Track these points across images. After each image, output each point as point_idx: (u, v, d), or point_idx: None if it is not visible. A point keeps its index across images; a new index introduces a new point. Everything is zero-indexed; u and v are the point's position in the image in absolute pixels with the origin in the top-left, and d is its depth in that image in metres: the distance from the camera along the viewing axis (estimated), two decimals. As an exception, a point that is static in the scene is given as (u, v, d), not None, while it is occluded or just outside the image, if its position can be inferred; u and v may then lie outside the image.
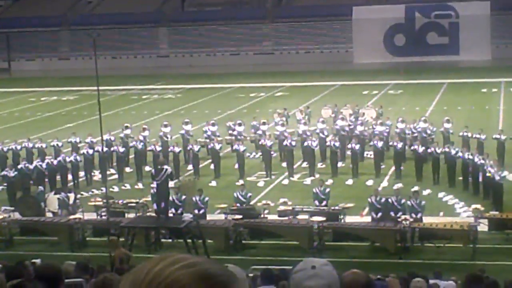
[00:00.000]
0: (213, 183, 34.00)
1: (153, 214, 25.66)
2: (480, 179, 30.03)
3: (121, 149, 36.06)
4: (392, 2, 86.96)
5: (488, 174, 28.76)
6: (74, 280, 11.71)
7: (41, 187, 30.46)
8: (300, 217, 26.71)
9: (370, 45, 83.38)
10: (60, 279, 7.02)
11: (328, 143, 35.59)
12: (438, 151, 32.65)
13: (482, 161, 29.85)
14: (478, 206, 26.76)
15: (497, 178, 28.03)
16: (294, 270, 3.99)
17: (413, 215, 25.55)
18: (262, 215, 27.23)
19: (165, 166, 24.01)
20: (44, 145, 37.76)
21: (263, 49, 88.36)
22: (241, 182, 31.01)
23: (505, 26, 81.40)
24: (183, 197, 27.48)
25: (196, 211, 26.80)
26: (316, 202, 27.69)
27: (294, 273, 3.96)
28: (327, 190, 28.17)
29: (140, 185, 34.00)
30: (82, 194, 32.57)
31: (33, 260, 16.54)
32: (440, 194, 30.56)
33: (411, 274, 16.37)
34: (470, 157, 30.85)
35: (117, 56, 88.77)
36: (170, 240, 25.78)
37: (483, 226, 25.20)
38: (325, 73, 73.06)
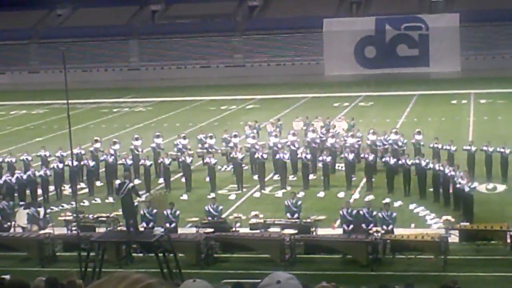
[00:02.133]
0: (185, 197, 33.90)
1: (124, 228, 25.48)
2: (451, 190, 30.17)
3: (91, 163, 35.82)
4: (362, 14, 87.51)
5: (458, 186, 28.89)
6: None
7: (5, 202, 30.04)
8: (271, 230, 26.67)
9: (340, 57, 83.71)
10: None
11: (299, 156, 35.61)
12: (409, 162, 32.77)
13: (453, 173, 29.99)
14: (449, 217, 26.86)
15: (467, 189, 28.16)
16: (260, 286, 3.96)
17: (385, 227, 25.61)
18: (233, 228, 27.15)
19: (127, 180, 23.75)
20: (13, 159, 37.47)
21: (234, 61, 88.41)
22: (212, 195, 30.92)
23: (474, 38, 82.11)
24: (154, 210, 27.35)
25: (167, 225, 26.68)
26: (288, 215, 27.66)
27: None
28: (299, 202, 28.16)
29: (110, 199, 33.74)
30: (52, 209, 32.27)
31: (3, 276, 16.34)
32: (411, 206, 30.65)
33: (383, 286, 16.37)
34: (441, 168, 30.98)
35: (87, 69, 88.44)
36: (141, 255, 25.62)
37: (454, 238, 25.32)
38: (296, 85, 73.24)
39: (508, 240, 24.83)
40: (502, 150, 33.90)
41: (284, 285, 3.88)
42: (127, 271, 2.25)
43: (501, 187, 33.12)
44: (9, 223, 29.22)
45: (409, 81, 73.10)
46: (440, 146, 35.43)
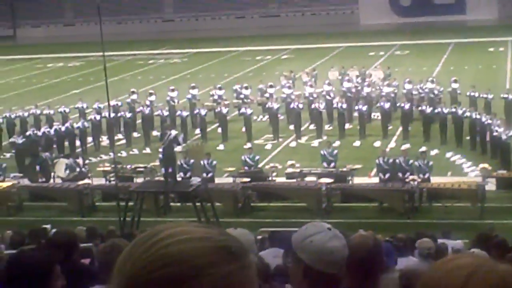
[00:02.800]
0: (221, 147, 34.05)
1: (162, 179, 25.74)
2: (488, 138, 30.00)
3: (128, 114, 36.09)
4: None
5: (495, 134, 28.74)
6: (83, 245, 11.77)
7: (48, 154, 30.41)
8: (308, 179, 26.77)
9: (376, 5, 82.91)
10: (75, 245, 7.07)
11: (335, 105, 35.53)
12: (445, 111, 32.58)
13: (490, 121, 29.82)
14: (486, 165, 26.72)
15: (504, 137, 28.00)
16: (307, 235, 3.92)
17: (421, 176, 25.60)
18: (270, 178, 27.30)
19: (169, 131, 23.98)
20: (51, 112, 37.84)
21: (268, 11, 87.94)
22: (248, 145, 30.99)
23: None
24: (191, 161, 27.56)
25: (204, 175, 26.86)
26: (324, 164, 27.74)
27: (310, 237, 3.91)
28: (335, 152, 28.21)
29: (148, 150, 34.06)
30: (90, 160, 32.65)
31: (44, 226, 16.67)
32: (448, 154, 30.57)
33: (419, 234, 16.42)
34: (478, 116, 30.80)
35: (122, 21, 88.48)
36: (178, 204, 25.90)
37: (491, 185, 25.24)
38: (331, 34, 72.74)
39: (546, 187, 24.73)
40: (540, 97, 33.57)
41: (335, 231, 3.94)
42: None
43: (538, 135, 32.80)
44: (49, 174, 29.62)
45: (445, 29, 72.23)
46: (477, 94, 35.17)
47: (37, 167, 29.56)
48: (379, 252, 4.86)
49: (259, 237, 16.42)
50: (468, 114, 31.55)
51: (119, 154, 32.31)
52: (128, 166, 29.08)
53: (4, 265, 4.95)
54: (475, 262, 2.15)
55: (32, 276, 4.64)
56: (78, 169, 29.29)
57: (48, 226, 16.79)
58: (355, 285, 4.60)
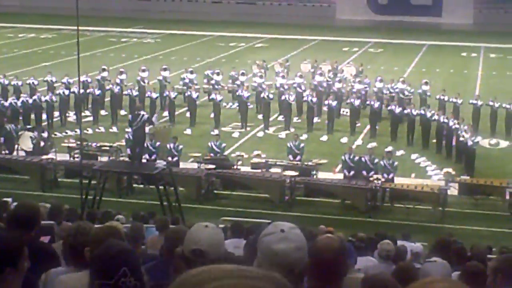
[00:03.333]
0: (188, 131, 33.98)
1: (126, 159, 25.64)
2: (454, 143, 30.21)
3: (97, 91, 35.83)
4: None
5: (461, 139, 28.93)
6: (45, 222, 11.66)
7: (13, 125, 30.10)
8: (273, 170, 26.83)
9: (353, 1, 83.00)
10: (37, 221, 6.97)
11: (305, 98, 35.54)
12: (414, 112, 32.75)
13: (457, 126, 30.00)
14: (450, 169, 26.96)
15: (470, 143, 28.19)
16: (263, 234, 4.02)
17: (385, 175, 25.73)
18: (235, 166, 27.29)
19: (142, 112, 23.87)
20: (19, 83, 37.51)
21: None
22: (216, 132, 30.98)
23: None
24: (157, 143, 27.48)
25: (169, 158, 26.81)
26: (290, 157, 27.77)
27: (263, 237, 4.00)
28: (302, 145, 28.25)
29: (114, 129, 33.89)
30: (55, 135, 32.44)
31: (5, 199, 16.50)
32: (413, 156, 30.74)
33: (380, 234, 16.51)
34: (445, 120, 30.99)
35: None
36: (142, 186, 25.84)
37: (453, 190, 25.48)
38: (307, 27, 72.71)
39: (507, 197, 24.96)
40: (508, 106, 33.86)
41: (288, 234, 3.94)
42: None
43: (504, 143, 33.17)
44: (12, 146, 29.37)
45: (420, 30, 72.55)
46: (446, 98, 35.37)
47: (1, 139, 29.30)
48: (344, 254, 4.90)
49: (221, 225, 16.38)
50: (436, 117, 31.73)
51: (85, 131, 32.10)
52: (93, 144, 28.94)
53: None
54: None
55: (3, 258, 4.58)
56: (42, 143, 29.09)
57: (9, 199, 16.61)
58: (320, 285, 4.62)
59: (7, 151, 28.88)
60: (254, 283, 2.04)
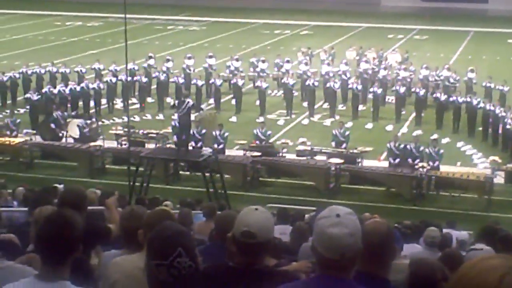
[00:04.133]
0: (234, 119, 34.16)
1: (173, 146, 25.89)
2: (500, 131, 30.02)
3: (144, 79, 36.17)
4: None
5: (508, 126, 28.75)
6: (96, 207, 11.90)
7: (59, 112, 30.49)
8: (318, 158, 26.91)
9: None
10: (84, 205, 7.20)
11: (350, 86, 35.54)
12: (460, 100, 32.58)
13: (503, 113, 29.80)
14: (496, 158, 26.78)
15: (517, 131, 28.01)
16: (319, 216, 4.12)
17: (431, 163, 25.67)
18: (280, 154, 27.42)
19: (188, 99, 24.07)
20: (67, 70, 38.01)
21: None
22: (261, 119, 31.11)
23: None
24: (203, 130, 27.72)
25: (215, 146, 27.02)
26: (334, 144, 27.82)
27: (318, 219, 4.10)
28: (347, 132, 28.29)
29: (161, 116, 34.17)
30: (103, 122, 32.85)
31: (55, 185, 16.82)
32: (459, 144, 30.60)
33: (425, 222, 16.54)
34: (492, 108, 30.79)
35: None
36: (188, 173, 26.09)
37: (499, 178, 25.33)
38: (352, 13, 72.42)
39: (554, 185, 24.77)
40: (555, 93, 33.54)
41: (343, 219, 4.05)
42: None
43: (551, 131, 32.79)
44: (61, 133, 29.82)
45: (466, 17, 71.84)
46: (492, 85, 35.12)
47: (52, 125, 29.76)
48: (391, 239, 5.02)
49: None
50: (482, 105, 31.55)
51: (132, 119, 32.38)
52: (140, 131, 29.23)
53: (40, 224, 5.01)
54: (507, 263, 2.26)
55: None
56: (88, 130, 29.48)
57: (60, 186, 16.91)
58: (368, 269, 4.75)
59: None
60: None
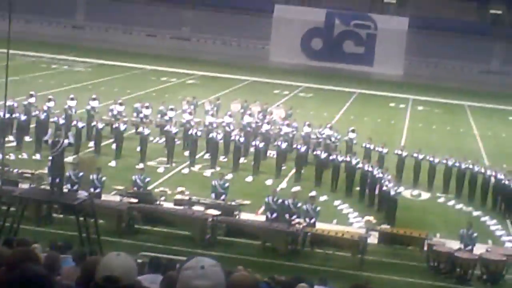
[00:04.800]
0: (113, 163, 33.70)
1: (48, 188, 25.24)
2: (377, 192, 30.56)
3: (23, 117, 35.38)
4: (314, 5, 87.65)
5: (384, 188, 29.28)
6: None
7: None
8: (195, 208, 26.69)
9: (287, 45, 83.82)
10: None
11: (232, 137, 35.64)
12: (340, 159, 33.08)
13: (381, 175, 30.37)
14: (371, 218, 27.18)
15: (393, 193, 28.54)
16: (184, 267, 4.03)
17: (307, 220, 25.82)
18: (158, 202, 27.10)
19: (63, 139, 23.51)
20: None
21: (180, 34, 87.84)
22: (141, 165, 30.74)
23: (419, 44, 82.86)
24: (80, 173, 27.14)
25: (92, 190, 26.49)
26: (213, 195, 27.70)
27: (183, 270, 4.02)
28: (226, 184, 28.21)
29: (38, 156, 33.41)
30: (-24, 158, 31.82)
31: None
32: (336, 202, 30.97)
33: (297, 278, 16.51)
34: (370, 169, 31.35)
35: (31, 20, 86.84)
36: (61, 216, 25.46)
37: (373, 239, 25.67)
38: (240, 67, 73.13)
39: (425, 248, 25.23)
40: (431, 159, 34.47)
41: (207, 271, 3.95)
42: None
43: (425, 195, 33.68)
44: None
45: (351, 78, 73.55)
46: (372, 147, 35.83)
47: None
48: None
49: (140, 260, 16.19)
50: (361, 165, 32.10)
51: (7, 156, 31.54)
52: (15, 170, 28.44)
53: None
54: None
55: None
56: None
57: None
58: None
59: None
60: None
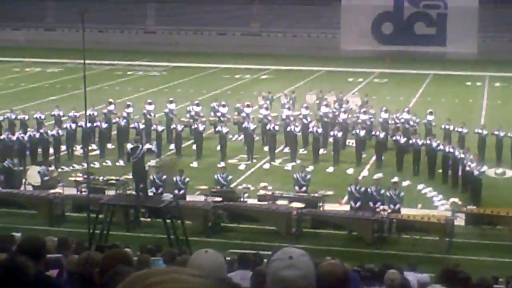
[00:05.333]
0: (195, 164, 34.06)
1: (133, 192, 25.69)
2: (460, 173, 30.23)
3: (104, 125, 36.01)
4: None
5: (467, 168, 28.96)
6: (54, 255, 11.73)
7: (8, 161, 30.12)
8: (279, 202, 26.85)
9: (357, 31, 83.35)
10: (43, 253, 7.08)
11: (310, 129, 35.64)
12: (420, 142, 32.81)
13: (463, 155, 30.04)
14: (456, 200, 26.90)
15: (476, 173, 28.23)
16: (272, 259, 4.09)
17: (392, 206, 25.72)
18: (242, 199, 27.32)
19: (142, 144, 23.94)
20: (26, 117, 37.69)
21: (250, 30, 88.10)
22: (222, 164, 31.04)
23: (492, 19, 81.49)
24: (164, 176, 27.53)
25: (176, 191, 26.87)
26: (296, 188, 27.81)
27: (272, 262, 4.07)
28: (308, 176, 28.29)
29: (121, 162, 33.98)
30: (62, 169, 32.57)
31: (13, 233, 16.56)
32: (420, 186, 30.75)
33: (386, 265, 16.52)
34: (451, 150, 31.02)
35: (103, 30, 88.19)
36: (149, 219, 25.88)
37: (460, 220, 25.43)
38: (312, 58, 72.97)
39: (514, 226, 24.92)
40: (513, 135, 33.93)
41: (296, 261, 4.02)
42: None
43: (510, 172, 33.17)
44: (16, 182, 29.45)
45: (425, 60, 72.72)
46: (451, 127, 35.43)
47: (0, 176, 29.40)
48: (347, 281, 4.96)
49: (228, 258, 16.41)
50: (441, 147, 31.78)
51: (92, 165, 32.23)
52: (100, 178, 29.00)
53: None
54: None
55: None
56: (47, 178, 29.18)
57: (17, 234, 16.66)
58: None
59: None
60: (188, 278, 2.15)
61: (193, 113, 39.24)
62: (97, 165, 33.58)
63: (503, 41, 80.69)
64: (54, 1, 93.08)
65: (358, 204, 26.21)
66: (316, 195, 27.28)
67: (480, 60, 73.60)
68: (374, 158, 34.49)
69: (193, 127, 36.72)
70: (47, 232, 21.44)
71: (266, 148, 36.02)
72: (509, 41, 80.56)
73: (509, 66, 65.85)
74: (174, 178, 27.62)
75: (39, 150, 33.98)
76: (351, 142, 36.54)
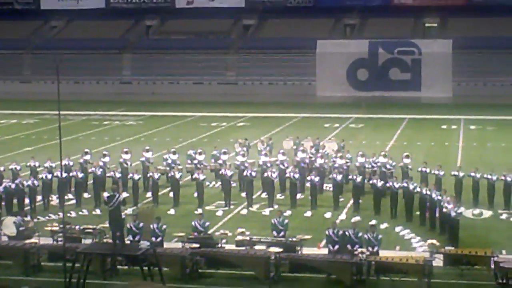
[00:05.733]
0: (172, 211, 33.92)
1: (110, 241, 25.49)
2: (437, 214, 30.29)
3: (80, 175, 35.87)
4: (356, 37, 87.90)
5: (444, 210, 29.01)
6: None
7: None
8: (257, 247, 26.70)
9: (333, 78, 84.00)
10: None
11: (288, 175, 35.69)
12: (397, 185, 32.89)
13: (440, 197, 30.12)
14: (434, 241, 26.91)
15: (453, 214, 28.26)
16: None
17: (370, 249, 25.66)
18: (219, 245, 27.19)
19: (118, 193, 23.84)
20: (2, 168, 37.47)
21: (226, 79, 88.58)
22: (199, 211, 30.95)
23: (466, 64, 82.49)
24: (141, 224, 27.35)
25: (153, 239, 26.69)
26: (274, 233, 27.71)
27: None
28: (286, 221, 28.21)
29: (97, 211, 33.79)
30: (38, 219, 32.31)
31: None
32: (397, 229, 30.75)
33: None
34: (428, 192, 31.11)
35: (79, 81, 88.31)
36: (126, 267, 25.65)
37: (438, 261, 25.40)
38: (288, 104, 73.41)
39: (492, 266, 24.90)
40: (489, 176, 34.10)
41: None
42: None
43: (487, 213, 33.28)
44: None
45: (400, 105, 73.32)
46: (428, 170, 35.59)
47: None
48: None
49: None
50: (418, 189, 31.87)
51: (68, 214, 32.06)
52: (77, 227, 28.77)
53: None
54: None
55: None
56: (23, 228, 28.91)
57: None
58: None
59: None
60: None
61: (169, 161, 39.20)
62: (73, 214, 33.36)
63: (477, 85, 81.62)
64: (31, 54, 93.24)
65: (337, 247, 26.14)
66: (294, 239, 27.18)
67: (455, 104, 74.25)
68: (351, 202, 34.51)
69: (169, 175, 36.66)
70: (23, 282, 21.24)
71: (243, 194, 35.97)
72: (483, 85, 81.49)
73: (483, 109, 66.54)
74: (151, 226, 27.44)
75: (15, 200, 33.75)
76: (328, 186, 36.59)
